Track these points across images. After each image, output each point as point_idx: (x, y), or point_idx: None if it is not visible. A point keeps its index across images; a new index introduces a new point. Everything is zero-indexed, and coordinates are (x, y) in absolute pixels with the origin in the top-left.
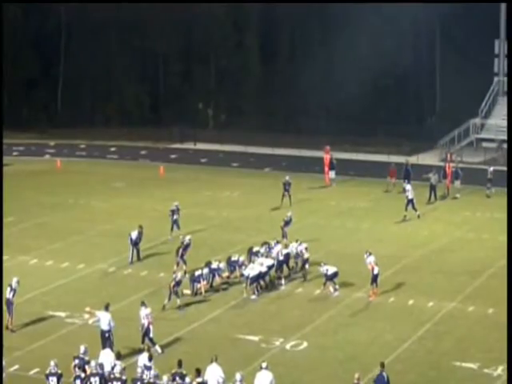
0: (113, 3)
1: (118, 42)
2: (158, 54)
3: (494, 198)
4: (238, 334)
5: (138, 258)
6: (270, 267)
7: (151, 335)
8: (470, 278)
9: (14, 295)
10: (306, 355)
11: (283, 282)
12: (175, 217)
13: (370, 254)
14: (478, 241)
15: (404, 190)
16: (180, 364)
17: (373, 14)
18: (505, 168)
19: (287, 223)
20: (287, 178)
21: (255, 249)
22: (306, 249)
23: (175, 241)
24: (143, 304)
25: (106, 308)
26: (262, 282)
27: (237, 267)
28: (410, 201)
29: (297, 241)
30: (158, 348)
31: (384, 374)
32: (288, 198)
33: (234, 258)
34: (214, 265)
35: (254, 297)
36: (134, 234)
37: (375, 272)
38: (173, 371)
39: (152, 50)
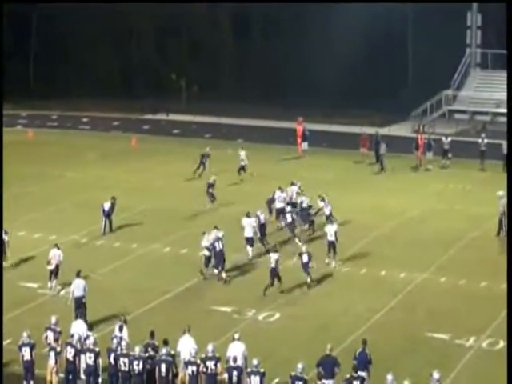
0: None
1: (90, 15)
2: (131, 27)
3: (466, 169)
4: (211, 305)
5: (111, 229)
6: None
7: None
8: (442, 249)
9: None
10: (278, 326)
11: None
12: (210, 190)
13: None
14: (451, 212)
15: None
16: (152, 335)
17: None
18: (476, 139)
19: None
20: (207, 149)
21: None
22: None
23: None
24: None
25: (78, 274)
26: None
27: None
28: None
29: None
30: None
31: (367, 351)
32: (202, 169)
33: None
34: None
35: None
36: (107, 205)
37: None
38: (145, 342)
39: (125, 23)
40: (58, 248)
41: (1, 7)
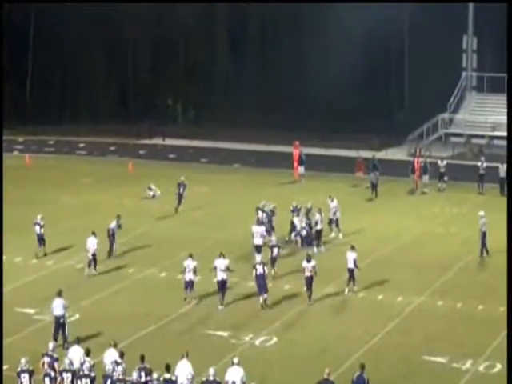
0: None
1: (86, 39)
2: (127, 51)
3: (462, 193)
4: (207, 330)
5: (110, 253)
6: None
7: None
8: (439, 273)
9: None
10: (276, 350)
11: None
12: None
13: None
14: (447, 235)
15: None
16: (143, 359)
17: (344, 9)
18: (473, 163)
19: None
20: (182, 178)
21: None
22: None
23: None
24: (190, 256)
25: (59, 294)
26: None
27: None
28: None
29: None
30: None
31: (364, 375)
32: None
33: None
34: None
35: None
36: (113, 225)
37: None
38: (137, 367)
39: (121, 47)
40: (96, 236)
41: (1, 7)
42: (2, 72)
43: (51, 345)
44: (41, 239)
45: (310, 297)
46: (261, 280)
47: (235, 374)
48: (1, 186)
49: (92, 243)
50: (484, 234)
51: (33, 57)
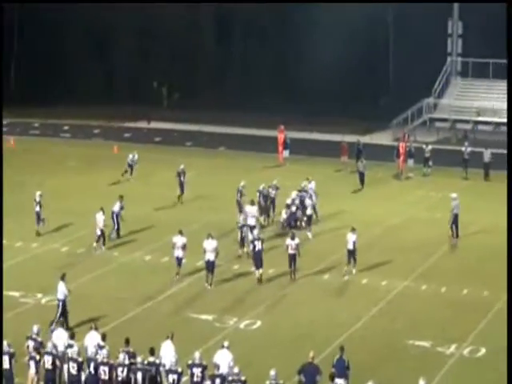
0: None
1: (72, 22)
2: (112, 34)
3: (447, 178)
4: (192, 314)
5: (118, 234)
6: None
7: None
8: (423, 257)
9: None
10: (260, 334)
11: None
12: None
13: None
14: (432, 220)
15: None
16: (127, 342)
17: None
18: (458, 147)
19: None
20: (182, 166)
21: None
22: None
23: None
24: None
25: (62, 278)
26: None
27: None
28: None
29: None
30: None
31: (344, 357)
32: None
33: None
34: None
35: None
36: (117, 207)
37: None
38: (121, 349)
39: (107, 30)
40: (103, 212)
41: (1, 7)
42: (2, 72)
43: (35, 328)
44: (38, 217)
45: (293, 273)
46: (258, 256)
47: (223, 357)
48: (1, 179)
49: (100, 219)
50: (456, 217)
51: (18, 39)
